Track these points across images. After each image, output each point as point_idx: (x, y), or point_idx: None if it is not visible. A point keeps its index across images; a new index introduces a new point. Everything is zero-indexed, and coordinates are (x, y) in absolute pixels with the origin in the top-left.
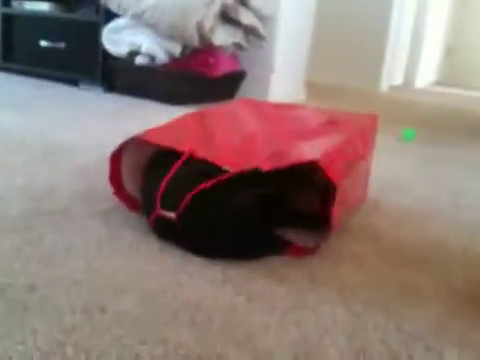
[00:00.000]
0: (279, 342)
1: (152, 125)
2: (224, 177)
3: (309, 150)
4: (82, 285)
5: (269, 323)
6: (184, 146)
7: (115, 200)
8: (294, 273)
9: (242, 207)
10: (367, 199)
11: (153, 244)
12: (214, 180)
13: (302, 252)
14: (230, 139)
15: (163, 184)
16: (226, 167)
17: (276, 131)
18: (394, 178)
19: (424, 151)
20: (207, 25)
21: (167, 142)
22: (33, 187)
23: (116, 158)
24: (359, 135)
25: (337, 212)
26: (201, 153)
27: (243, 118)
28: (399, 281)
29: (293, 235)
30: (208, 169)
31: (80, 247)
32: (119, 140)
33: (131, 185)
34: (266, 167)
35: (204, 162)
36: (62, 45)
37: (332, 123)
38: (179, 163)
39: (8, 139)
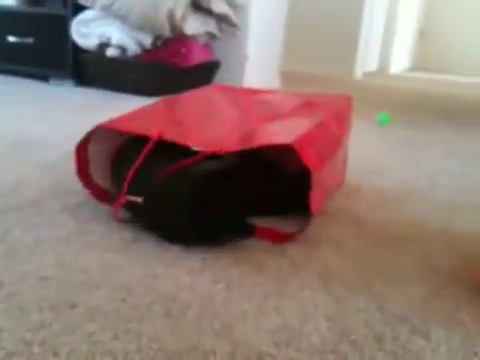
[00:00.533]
0: (259, 330)
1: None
2: (192, 159)
3: (283, 133)
4: (51, 281)
5: (248, 311)
6: (153, 131)
7: (84, 194)
8: (274, 259)
9: (204, 187)
10: (345, 182)
11: (125, 235)
12: (181, 162)
13: (282, 238)
14: (200, 123)
15: (131, 170)
16: (195, 148)
17: (248, 115)
18: (372, 161)
19: (400, 134)
20: (178, 14)
21: (135, 129)
22: (0, 183)
23: (82, 149)
24: (334, 117)
25: (317, 198)
26: (170, 136)
27: (214, 102)
28: (380, 263)
29: (273, 222)
30: (176, 152)
31: (49, 242)
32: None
33: (100, 176)
34: (235, 148)
35: (172, 145)
36: (30, 40)
37: (306, 105)
38: (147, 148)
39: None
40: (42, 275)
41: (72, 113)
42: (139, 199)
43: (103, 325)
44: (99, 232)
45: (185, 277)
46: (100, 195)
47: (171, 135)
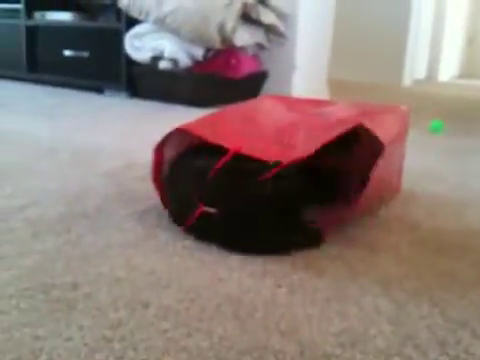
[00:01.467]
0: (324, 332)
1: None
2: (271, 172)
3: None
4: (123, 282)
5: (312, 314)
6: (226, 141)
7: (147, 201)
8: (333, 265)
9: (282, 197)
10: (401, 190)
11: (189, 242)
12: (262, 175)
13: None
14: (268, 132)
15: (207, 181)
16: (272, 162)
17: (311, 123)
18: (426, 169)
19: (453, 142)
20: (228, 26)
21: (211, 137)
22: (66, 191)
23: (159, 151)
24: (394, 123)
25: (376, 173)
26: (247, 150)
27: (275, 112)
28: (439, 270)
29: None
30: (254, 166)
31: (118, 246)
32: (145, 144)
33: None
34: (310, 152)
35: (248, 159)
36: (85, 53)
37: (364, 114)
38: (223, 160)
39: (38, 146)
40: (115, 276)
41: (127, 124)
42: (213, 210)
43: (176, 323)
44: (164, 238)
45: (248, 281)
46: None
47: (247, 149)
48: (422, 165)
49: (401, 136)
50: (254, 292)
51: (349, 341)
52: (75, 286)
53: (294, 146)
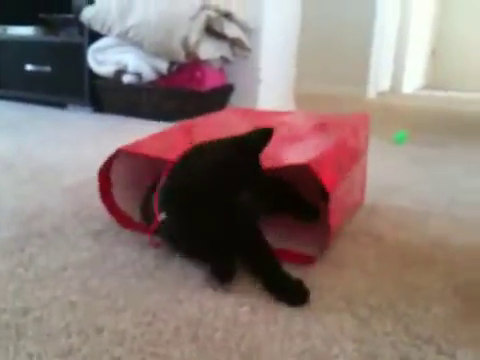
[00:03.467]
0: (286, 353)
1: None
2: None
3: (300, 154)
4: (77, 306)
5: (274, 333)
6: (171, 155)
7: (105, 219)
8: None
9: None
10: (365, 202)
11: (148, 261)
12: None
13: (304, 260)
14: None
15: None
16: None
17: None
18: (390, 180)
19: (417, 152)
20: (192, 40)
21: (154, 152)
22: (23, 209)
23: (104, 174)
24: (352, 136)
25: (336, 218)
26: None
27: (231, 125)
28: (404, 283)
29: (293, 242)
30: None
31: (73, 267)
32: (106, 157)
33: (123, 201)
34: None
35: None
36: (48, 68)
37: (323, 125)
38: (166, 170)
39: None
40: (69, 300)
41: (90, 139)
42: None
43: (130, 349)
44: (122, 258)
45: (209, 301)
46: (123, 220)
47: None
48: (386, 176)
49: (361, 147)
50: (214, 312)
51: None
52: (26, 311)
53: None
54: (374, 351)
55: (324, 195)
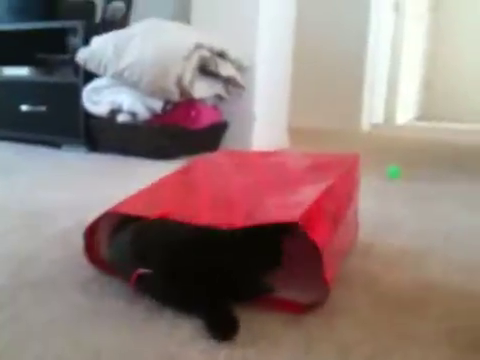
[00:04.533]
0: None
1: (135, 182)
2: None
3: (290, 206)
4: None
5: None
6: (157, 211)
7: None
8: (289, 333)
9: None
10: (358, 240)
11: (137, 314)
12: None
13: (299, 310)
14: (208, 196)
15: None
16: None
17: (257, 183)
18: (383, 217)
19: (412, 188)
20: (187, 79)
21: (140, 211)
22: (12, 257)
23: (91, 232)
24: (343, 179)
25: (331, 271)
26: (176, 215)
27: (224, 171)
28: (399, 331)
29: (286, 291)
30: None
31: (64, 321)
32: (101, 200)
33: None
34: (241, 224)
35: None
36: (43, 108)
37: (314, 168)
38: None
39: None
40: (57, 356)
41: (84, 179)
42: (148, 270)
43: None
44: (111, 310)
45: (201, 357)
46: (109, 270)
47: (178, 214)
48: (379, 213)
49: (353, 189)
50: None
51: None
52: None
53: (231, 211)
54: None
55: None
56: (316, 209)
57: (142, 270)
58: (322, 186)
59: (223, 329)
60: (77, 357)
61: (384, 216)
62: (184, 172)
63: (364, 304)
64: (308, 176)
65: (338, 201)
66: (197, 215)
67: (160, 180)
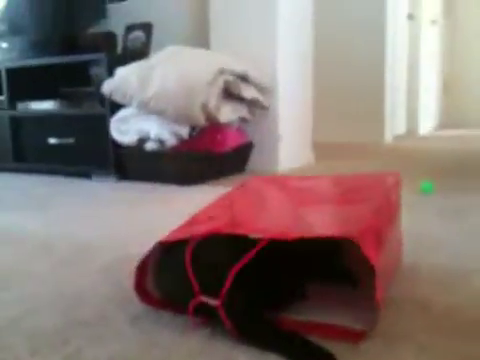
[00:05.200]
0: None
1: (168, 209)
2: (256, 248)
3: (337, 224)
4: None
5: None
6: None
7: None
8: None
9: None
10: (404, 263)
11: (193, 345)
12: (248, 255)
13: (353, 337)
14: (255, 215)
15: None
16: (253, 236)
17: (299, 202)
18: (424, 236)
19: (447, 202)
20: (212, 105)
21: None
22: (61, 295)
23: (141, 267)
24: (386, 199)
25: (381, 292)
26: (227, 229)
27: (265, 194)
28: (462, 355)
29: (339, 318)
30: (236, 244)
31: (121, 357)
32: (138, 231)
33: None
34: (294, 236)
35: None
36: (71, 140)
37: (354, 190)
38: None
39: (29, 243)
40: None
41: (118, 210)
42: (215, 302)
43: None
44: (166, 344)
45: None
46: (159, 304)
47: (230, 229)
48: (419, 231)
49: (396, 208)
50: None
51: None
52: None
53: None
54: None
55: (368, 268)
56: (365, 228)
57: (204, 298)
58: (370, 206)
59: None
60: None
61: (425, 235)
62: (225, 199)
63: (420, 329)
64: (349, 196)
65: (384, 222)
66: (244, 228)
67: (203, 209)
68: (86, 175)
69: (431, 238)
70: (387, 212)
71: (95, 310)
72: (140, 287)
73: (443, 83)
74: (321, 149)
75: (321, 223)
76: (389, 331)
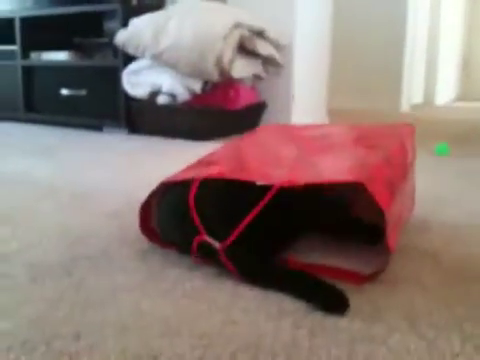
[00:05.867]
0: None
1: (177, 162)
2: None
3: (351, 168)
4: (131, 330)
5: (339, 357)
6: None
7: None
8: (354, 301)
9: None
10: (415, 217)
11: (198, 281)
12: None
13: (362, 279)
14: (262, 161)
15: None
16: (260, 182)
17: (309, 149)
18: (438, 193)
19: (461, 165)
20: (226, 59)
21: (196, 174)
22: (67, 233)
23: (146, 207)
24: (399, 148)
25: (393, 238)
26: (234, 174)
27: (272, 142)
28: (467, 300)
29: (348, 262)
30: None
31: (124, 289)
32: (146, 180)
33: None
34: (302, 182)
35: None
36: (83, 92)
37: (367, 137)
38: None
39: (38, 187)
40: (122, 324)
41: (128, 161)
42: (217, 244)
43: None
44: (172, 278)
45: (265, 323)
46: (165, 243)
47: (235, 174)
48: (433, 189)
49: (410, 162)
50: (272, 335)
51: None
52: (78, 336)
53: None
54: None
55: (379, 214)
56: (376, 173)
57: (208, 238)
58: (379, 154)
59: (337, 303)
60: (141, 324)
61: (438, 192)
62: (232, 146)
63: (428, 274)
64: (362, 143)
65: (396, 170)
66: (251, 174)
67: (207, 154)
68: (97, 127)
69: (445, 196)
70: (400, 160)
71: (100, 246)
72: (145, 226)
73: (462, 56)
74: (336, 115)
75: (331, 170)
76: (396, 276)
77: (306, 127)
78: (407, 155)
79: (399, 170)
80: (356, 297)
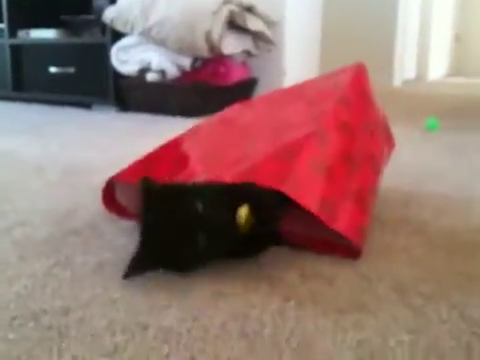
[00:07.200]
0: (339, 346)
1: (166, 139)
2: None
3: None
4: (119, 304)
5: (325, 327)
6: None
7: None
8: (343, 272)
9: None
10: (402, 190)
11: None
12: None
13: (347, 252)
14: (206, 157)
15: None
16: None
17: (255, 136)
18: (425, 167)
19: (450, 139)
20: (215, 35)
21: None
22: (55, 210)
23: (106, 197)
24: (350, 90)
25: (358, 216)
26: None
27: (226, 128)
28: (454, 270)
29: (332, 234)
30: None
31: (111, 264)
32: (135, 157)
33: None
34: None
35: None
36: (71, 69)
37: (312, 103)
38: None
39: (25, 165)
40: (110, 298)
41: (116, 138)
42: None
43: (178, 346)
44: None
45: (253, 295)
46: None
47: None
48: (421, 164)
49: (365, 100)
50: (260, 307)
51: (368, 354)
52: (67, 311)
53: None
54: (432, 342)
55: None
56: (305, 154)
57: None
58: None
59: None
60: (129, 298)
61: (425, 166)
62: (187, 136)
63: (416, 247)
64: (311, 113)
65: (351, 111)
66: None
67: (160, 146)
68: (86, 105)
69: (432, 170)
70: (352, 101)
71: (87, 223)
72: (113, 210)
73: (455, 32)
74: None
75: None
76: (384, 248)
77: (269, 99)
78: (361, 99)
79: (355, 109)
80: (344, 268)
